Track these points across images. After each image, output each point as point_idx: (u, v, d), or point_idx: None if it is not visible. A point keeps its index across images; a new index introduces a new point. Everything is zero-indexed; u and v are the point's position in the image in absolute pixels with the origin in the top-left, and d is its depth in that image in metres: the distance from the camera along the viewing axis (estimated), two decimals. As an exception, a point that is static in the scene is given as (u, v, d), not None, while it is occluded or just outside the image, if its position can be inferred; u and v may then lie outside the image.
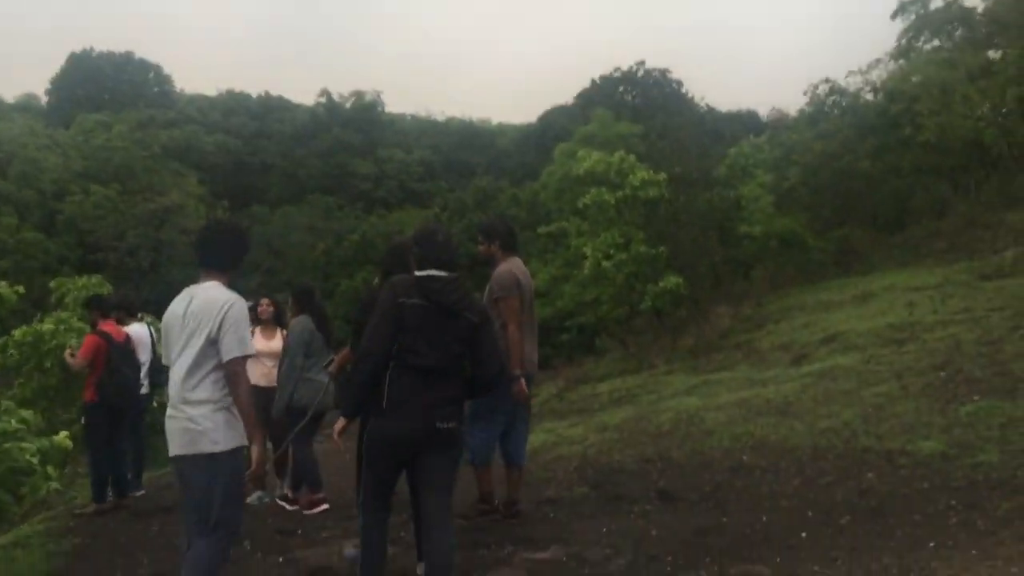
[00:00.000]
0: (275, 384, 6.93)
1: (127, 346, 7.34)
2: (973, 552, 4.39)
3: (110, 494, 7.29)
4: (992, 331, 9.68)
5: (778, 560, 4.68)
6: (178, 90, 76.52)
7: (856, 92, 25.33)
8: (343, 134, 65.56)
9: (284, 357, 6.81)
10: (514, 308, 5.55)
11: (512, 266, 5.74)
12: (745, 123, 57.38)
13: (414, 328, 3.90)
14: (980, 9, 23.87)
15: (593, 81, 65.06)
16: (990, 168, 22.88)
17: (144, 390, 7.67)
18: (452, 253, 4.12)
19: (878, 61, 26.31)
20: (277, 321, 7.61)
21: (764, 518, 5.57)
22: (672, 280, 18.15)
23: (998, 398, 7.29)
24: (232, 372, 3.80)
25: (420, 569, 4.52)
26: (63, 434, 7.01)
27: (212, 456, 3.75)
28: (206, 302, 3.85)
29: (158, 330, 5.37)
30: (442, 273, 4.01)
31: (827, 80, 25.56)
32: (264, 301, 7.60)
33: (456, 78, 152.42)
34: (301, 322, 6.80)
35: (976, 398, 7.43)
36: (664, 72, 65.24)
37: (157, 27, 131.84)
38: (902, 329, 11.38)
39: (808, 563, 4.58)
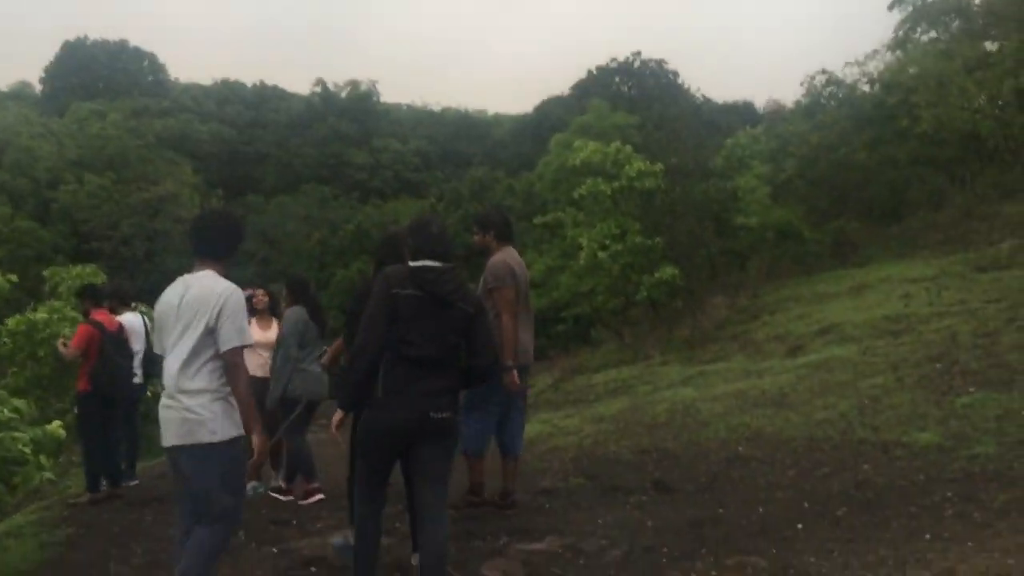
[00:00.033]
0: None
1: (120, 335, 7.31)
2: (969, 544, 4.38)
3: (104, 484, 7.26)
4: (988, 323, 9.69)
5: (774, 551, 4.67)
6: (173, 79, 76.30)
7: (853, 83, 25.28)
8: (339, 124, 65.39)
9: (278, 347, 6.78)
10: (508, 298, 5.52)
11: (507, 256, 5.72)
12: (741, 114, 57.29)
13: (408, 319, 3.89)
14: (977, 1, 23.83)
15: (589, 72, 64.99)
16: (986, 160, 22.86)
17: (138, 379, 7.64)
18: (447, 244, 4.11)
19: (875, 52, 26.24)
20: (272, 311, 7.58)
21: (760, 509, 5.57)
22: (668, 271, 18.11)
23: (994, 390, 7.29)
24: (231, 362, 3.78)
25: (415, 559, 4.51)
26: (56, 423, 6.96)
27: (211, 446, 3.73)
28: (203, 291, 3.82)
29: (152, 319, 5.34)
30: (436, 264, 3.99)
31: (824, 71, 25.53)
32: (258, 292, 7.57)
33: (452, 68, 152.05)
34: (296, 312, 6.77)
35: (972, 390, 7.43)
36: (660, 63, 65.16)
37: (152, 15, 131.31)
38: (898, 321, 11.38)
39: (804, 554, 4.57)
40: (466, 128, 74.93)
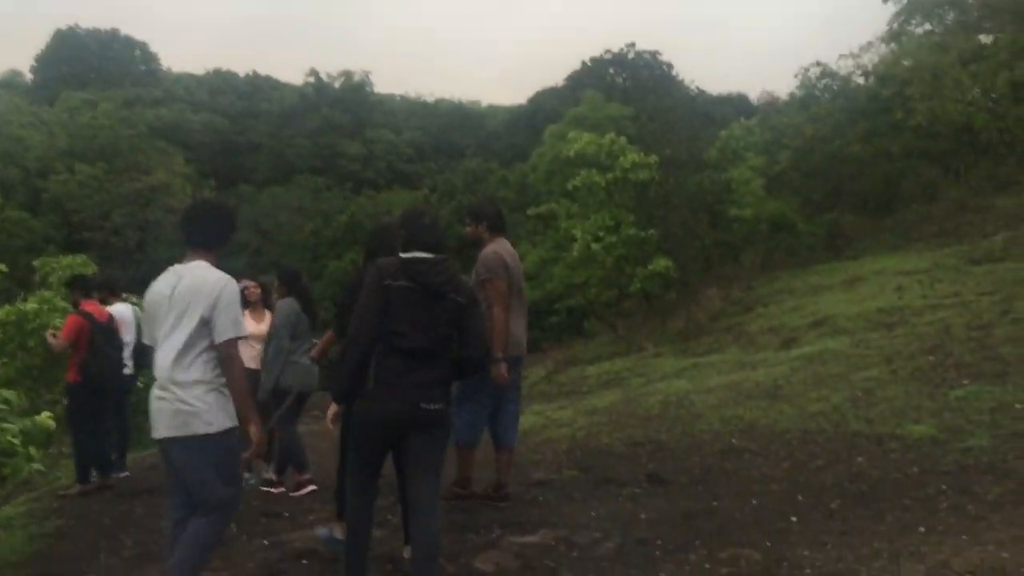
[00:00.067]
0: None
1: (110, 326, 7.25)
2: (964, 537, 4.37)
3: (94, 475, 7.22)
4: (982, 315, 9.69)
5: (768, 544, 4.65)
6: (165, 68, 75.96)
7: (847, 76, 25.17)
8: (332, 114, 65.21)
9: (271, 339, 6.74)
10: (500, 290, 5.49)
11: (499, 247, 5.68)
12: (735, 106, 57.34)
13: (400, 310, 3.87)
14: (972, -7, 23.81)
15: (583, 63, 64.99)
16: (980, 153, 22.87)
17: (128, 370, 7.59)
18: (439, 235, 4.10)
19: (870, 44, 26.15)
20: (265, 303, 7.53)
21: (754, 501, 5.55)
22: (662, 263, 18.09)
23: (988, 382, 7.30)
24: (226, 354, 3.75)
25: (406, 552, 4.49)
26: (45, 414, 6.92)
27: (206, 437, 3.70)
28: (197, 281, 3.78)
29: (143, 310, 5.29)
30: (428, 255, 3.97)
31: (818, 63, 25.46)
32: (250, 284, 7.50)
33: (446, 59, 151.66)
34: (288, 304, 6.73)
35: (966, 382, 7.43)
36: (654, 54, 65.17)
37: (144, 5, 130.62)
38: (892, 313, 11.38)
39: (798, 547, 4.55)
40: (460, 119, 74.85)
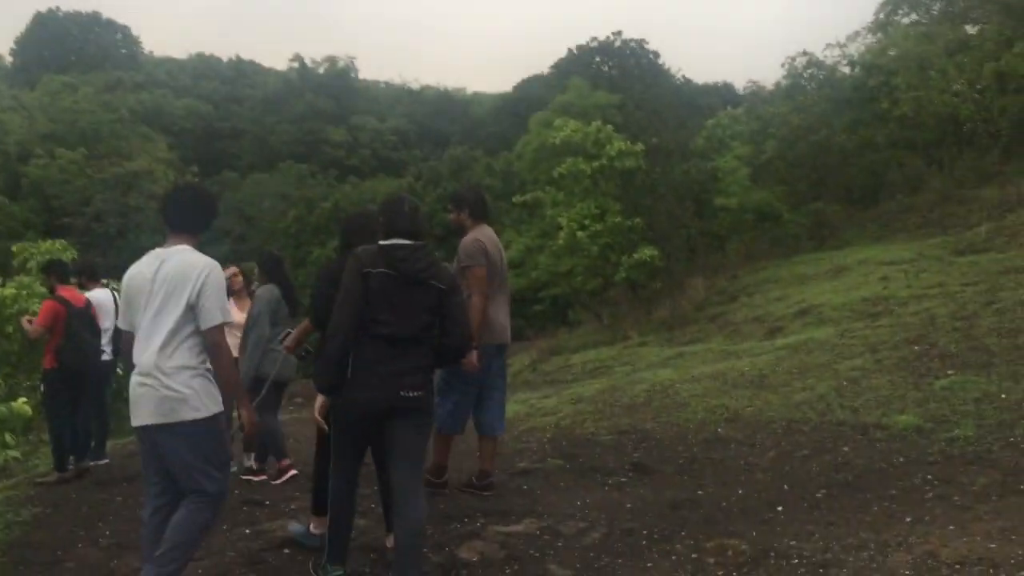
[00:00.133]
0: None
1: (87, 312, 7.13)
2: (951, 528, 4.35)
3: (71, 462, 7.11)
4: (966, 306, 9.70)
5: (754, 534, 4.63)
6: (147, 52, 75.55)
7: (833, 65, 25.25)
8: (316, 100, 64.87)
9: (250, 326, 6.62)
10: (479, 277, 5.42)
11: (480, 235, 5.61)
12: (721, 95, 57.48)
13: (380, 298, 3.83)
14: (958, -17, 23.85)
15: (569, 50, 64.84)
16: (965, 144, 22.96)
17: (107, 356, 7.47)
18: (418, 222, 4.06)
19: (856, 34, 26.23)
20: (249, 290, 7.41)
21: (740, 491, 5.53)
22: (647, 252, 18.08)
23: (973, 373, 7.30)
24: (213, 340, 3.70)
25: (389, 541, 4.44)
26: (21, 400, 6.80)
27: (194, 423, 3.65)
28: (182, 266, 3.71)
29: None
30: (407, 241, 3.91)
31: (805, 53, 25.48)
32: (232, 270, 7.36)
33: (430, 46, 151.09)
34: (268, 290, 6.63)
35: (951, 373, 7.43)
36: (641, 43, 65.06)
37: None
38: (876, 303, 11.39)
39: (784, 537, 4.53)
40: (445, 106, 74.61)
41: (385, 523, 4.62)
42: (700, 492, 5.60)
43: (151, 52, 76.04)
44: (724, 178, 22.02)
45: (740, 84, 54.22)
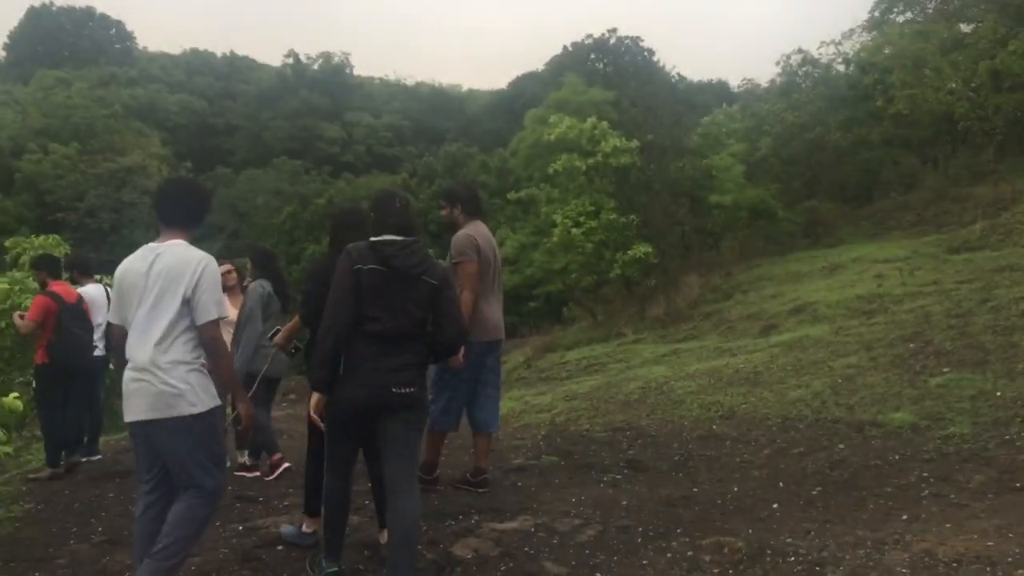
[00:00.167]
0: None
1: (79, 307, 7.09)
2: (947, 525, 4.34)
3: (63, 457, 7.07)
4: (961, 303, 9.70)
5: (750, 531, 4.60)
6: (141, 48, 75.30)
7: (828, 63, 25.26)
8: (310, 96, 64.75)
9: (243, 322, 6.57)
10: (469, 273, 5.40)
11: (472, 230, 5.59)
12: (716, 93, 57.45)
13: (372, 294, 3.81)
14: (953, -19, 23.86)
15: (565, 48, 64.76)
16: (959, 142, 22.99)
17: (99, 352, 7.42)
18: (409, 218, 4.02)
19: (851, 32, 26.28)
20: (241, 287, 7.37)
21: (735, 488, 5.51)
22: (642, 249, 18.04)
23: (968, 370, 7.31)
24: (209, 335, 3.68)
25: (383, 537, 4.41)
26: (12, 395, 6.73)
27: (192, 418, 3.63)
28: (177, 261, 3.67)
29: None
30: (398, 237, 3.88)
31: (800, 51, 25.48)
32: (226, 266, 7.31)
33: (426, 43, 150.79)
34: (261, 285, 6.59)
35: (946, 370, 7.43)
36: (636, 40, 65.02)
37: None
38: (871, 301, 11.39)
39: (780, 535, 4.51)
40: (440, 103, 74.52)
41: (378, 519, 4.60)
42: (695, 489, 5.59)
43: (145, 47, 75.88)
44: (719, 175, 21.96)
45: (735, 82, 54.33)
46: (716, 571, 4.11)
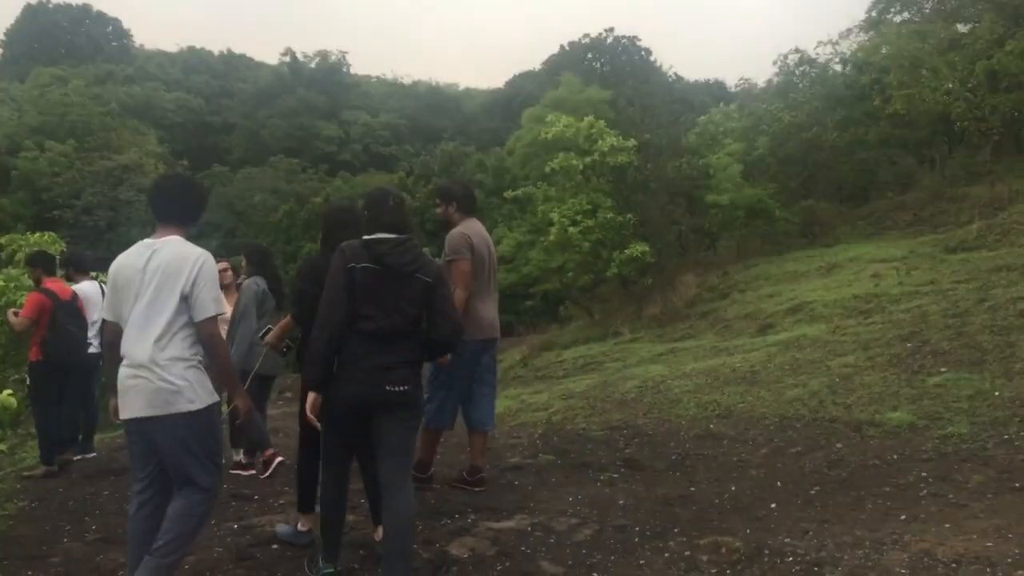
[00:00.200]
0: None
1: (73, 304, 7.05)
2: (946, 526, 4.32)
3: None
4: (958, 303, 9.70)
5: (748, 531, 4.57)
6: (138, 45, 75.19)
7: (825, 63, 25.30)
8: (307, 95, 64.69)
9: (238, 319, 6.54)
10: (462, 271, 5.39)
11: (466, 228, 5.57)
12: (713, 92, 57.51)
13: (365, 292, 3.80)
14: (950, -18, 23.86)
15: (561, 47, 64.92)
16: (955, 142, 23.02)
17: (93, 349, 7.38)
18: (402, 216, 4.00)
19: (848, 32, 26.32)
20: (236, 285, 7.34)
21: (732, 487, 5.49)
22: (639, 248, 18.05)
23: (965, 370, 7.30)
24: (207, 332, 3.66)
25: (377, 534, 4.39)
26: (6, 392, 6.70)
27: (190, 415, 3.61)
28: (175, 257, 3.65)
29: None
30: (391, 235, 3.86)
31: (797, 50, 25.50)
32: (222, 264, 7.28)
33: (423, 42, 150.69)
34: (255, 282, 6.56)
35: (943, 370, 7.42)
36: (633, 40, 65.12)
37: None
38: (868, 300, 11.39)
39: (778, 534, 4.48)
40: (437, 102, 74.48)
41: (372, 516, 4.58)
42: (693, 488, 5.56)
43: (142, 45, 75.83)
44: (716, 175, 21.97)
45: (732, 81, 54.41)
46: (714, 571, 4.08)
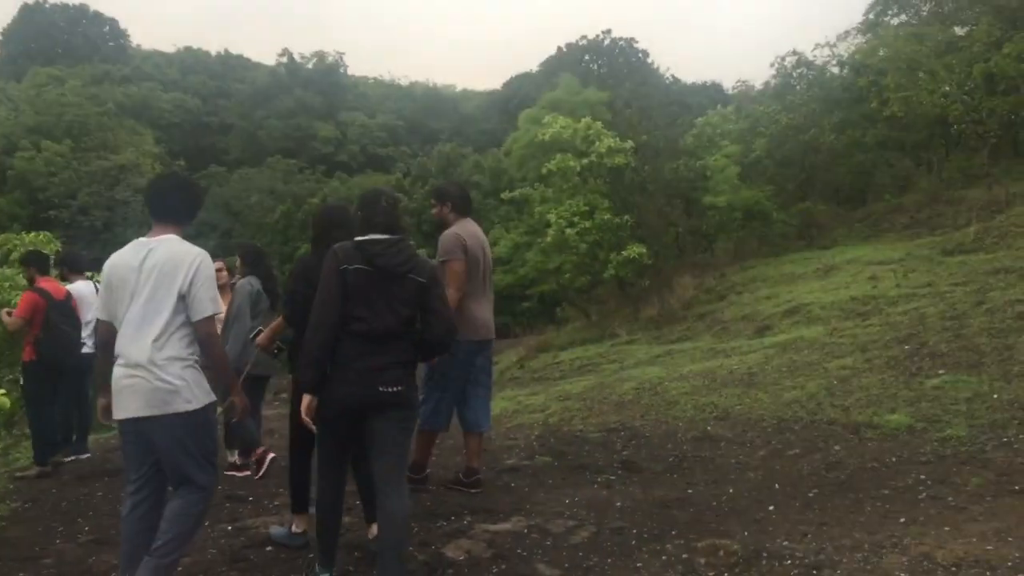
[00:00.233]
0: None
1: (67, 304, 7.02)
2: (946, 529, 4.30)
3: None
4: (956, 306, 9.68)
5: (746, 534, 4.55)
6: (134, 46, 75.09)
7: (823, 65, 25.26)
8: (304, 96, 64.57)
9: (231, 319, 6.50)
10: (455, 271, 5.37)
11: (459, 229, 5.56)
12: (710, 95, 57.46)
13: (358, 294, 3.78)
14: (947, -16, 23.90)
15: (559, 48, 64.99)
16: (953, 145, 23.01)
17: (88, 348, 7.34)
18: (395, 217, 3.99)
19: (846, 34, 26.31)
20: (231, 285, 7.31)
21: (730, 490, 5.46)
22: (636, 249, 18.02)
23: (963, 372, 7.28)
24: (205, 331, 3.65)
25: (371, 532, 4.37)
26: (0, 393, 6.67)
27: (188, 414, 3.60)
28: (172, 255, 3.63)
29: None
30: (383, 236, 3.84)
31: (794, 52, 25.48)
32: (217, 264, 7.24)
33: (420, 43, 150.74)
34: (250, 282, 6.53)
35: (941, 372, 7.40)
36: (630, 41, 65.17)
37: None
38: (865, 302, 11.37)
39: (777, 537, 4.45)
40: (434, 103, 74.45)
41: (365, 515, 4.56)
42: (690, 491, 5.53)
43: (139, 45, 75.67)
44: (713, 177, 21.95)
45: (729, 83, 54.39)
46: (711, 574, 4.05)
